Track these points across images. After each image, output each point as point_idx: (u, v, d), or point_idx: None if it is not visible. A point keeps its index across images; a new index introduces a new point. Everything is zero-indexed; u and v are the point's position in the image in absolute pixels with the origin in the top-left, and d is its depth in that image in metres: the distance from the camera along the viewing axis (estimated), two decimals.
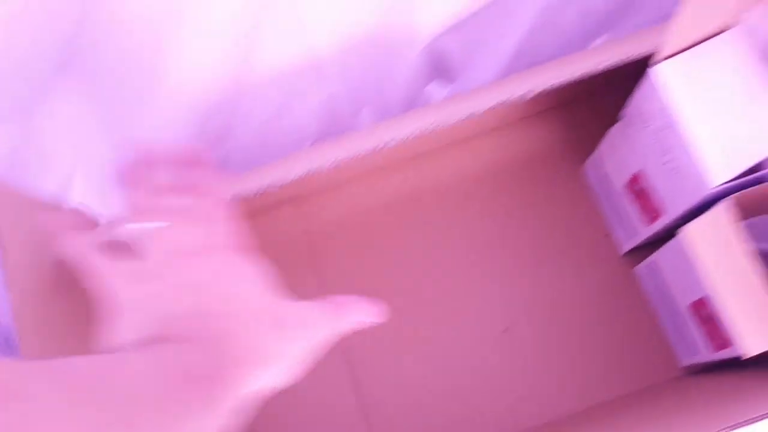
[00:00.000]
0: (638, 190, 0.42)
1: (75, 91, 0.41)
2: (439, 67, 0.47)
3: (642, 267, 0.47)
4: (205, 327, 0.28)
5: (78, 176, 0.46)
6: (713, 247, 0.32)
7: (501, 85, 0.41)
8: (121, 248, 0.30)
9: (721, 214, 0.32)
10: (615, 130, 0.43)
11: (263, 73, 0.43)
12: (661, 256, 0.43)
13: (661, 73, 0.35)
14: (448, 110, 0.40)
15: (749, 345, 0.30)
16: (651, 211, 0.42)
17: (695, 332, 0.41)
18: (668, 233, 0.41)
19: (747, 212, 0.36)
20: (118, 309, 0.29)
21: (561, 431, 0.43)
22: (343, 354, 0.49)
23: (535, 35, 0.48)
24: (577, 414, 0.46)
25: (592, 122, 0.49)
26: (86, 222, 0.34)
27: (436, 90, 0.50)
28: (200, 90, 0.42)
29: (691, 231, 0.32)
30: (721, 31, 0.34)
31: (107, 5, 0.40)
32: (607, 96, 0.45)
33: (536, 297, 0.49)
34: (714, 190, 0.34)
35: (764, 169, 0.34)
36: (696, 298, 0.39)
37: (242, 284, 0.30)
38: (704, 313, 0.39)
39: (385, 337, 0.49)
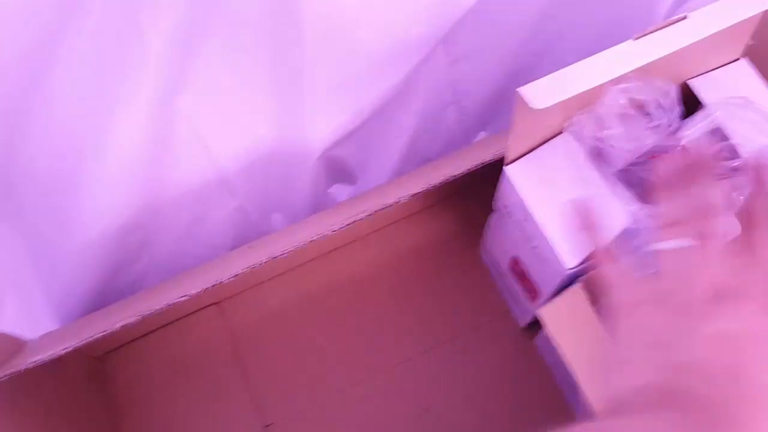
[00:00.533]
0: (518, 272, 0.47)
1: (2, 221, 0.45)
2: (338, 171, 0.52)
3: (538, 338, 0.51)
4: (731, 397, 0.23)
5: (8, 303, 0.49)
6: (566, 325, 0.36)
7: (396, 185, 0.45)
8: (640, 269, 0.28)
9: (574, 295, 0.37)
10: (492, 220, 0.48)
11: (174, 190, 0.47)
12: (541, 337, 0.47)
13: (512, 173, 0.40)
14: (349, 211, 0.44)
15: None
16: (531, 291, 0.46)
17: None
18: None
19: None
20: (627, 336, 0.26)
21: None
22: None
23: (420, 137, 0.54)
24: None
25: (479, 212, 0.55)
26: None
27: (340, 190, 0.54)
28: (116, 212, 0.46)
29: (545, 312, 0.36)
30: (553, 137, 0.39)
31: (30, 142, 0.43)
32: (489, 187, 0.50)
33: (449, 378, 0.52)
34: (571, 273, 0.39)
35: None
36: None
37: None
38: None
39: (308, 417, 0.51)
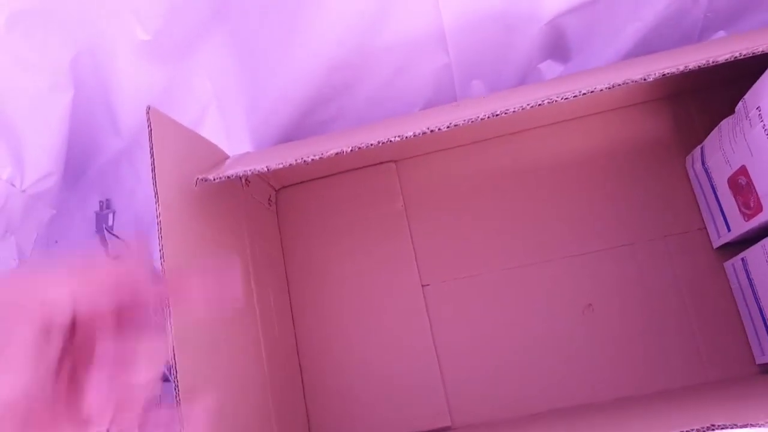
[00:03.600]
0: (740, 185, 0.43)
1: (223, 37, 0.46)
2: (556, 45, 0.49)
3: (731, 263, 0.47)
4: None
5: (211, 112, 0.51)
6: None
7: (616, 69, 0.42)
8: None
9: None
10: (725, 124, 0.43)
11: (391, 35, 0.46)
12: (751, 253, 0.44)
13: None
14: (558, 88, 0.42)
15: None
16: (750, 208, 0.42)
17: None
18: (764, 232, 0.42)
19: None
20: None
21: (634, 409, 0.45)
22: (428, 326, 0.52)
23: (655, 29, 0.49)
24: (651, 395, 0.47)
25: (700, 116, 0.50)
26: None
27: (551, 68, 0.51)
28: (332, 45, 0.46)
29: None
30: None
31: None
32: (717, 93, 0.45)
33: (623, 277, 0.50)
34: None
35: None
36: None
37: None
38: None
39: (466, 311, 0.51)
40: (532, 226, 0.52)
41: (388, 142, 0.37)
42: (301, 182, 0.56)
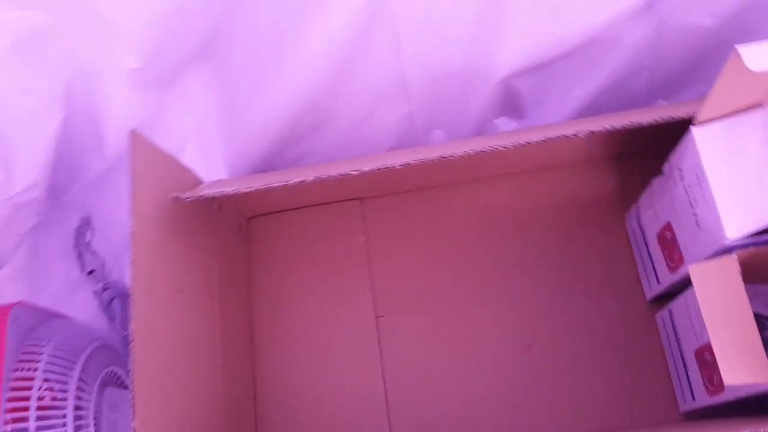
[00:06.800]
0: (666, 239, 0.47)
1: (207, 72, 0.50)
2: (510, 103, 0.54)
3: (660, 314, 0.51)
4: None
5: (191, 141, 0.55)
6: (714, 288, 0.36)
7: (555, 126, 0.46)
8: None
9: (728, 262, 0.37)
10: (655, 183, 0.48)
11: (358, 83, 0.51)
12: (676, 305, 0.47)
13: (699, 134, 0.40)
14: (509, 139, 0.46)
15: (729, 374, 0.35)
16: (674, 261, 0.46)
17: (695, 377, 0.46)
18: (687, 284, 0.46)
19: (757, 276, 0.40)
20: None
21: None
22: (378, 356, 0.55)
23: (602, 92, 0.54)
24: None
25: (639, 177, 0.55)
26: None
27: (505, 123, 0.56)
28: (305, 88, 0.50)
29: (695, 268, 0.37)
30: (755, 106, 0.39)
31: (238, 7, 0.48)
32: (654, 155, 0.50)
33: (560, 322, 0.54)
34: (728, 244, 0.39)
35: None
36: (700, 344, 0.44)
37: None
38: (705, 359, 0.43)
39: (416, 344, 0.55)
40: (484, 269, 0.56)
41: (348, 175, 0.41)
42: (270, 213, 0.60)
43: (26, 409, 0.42)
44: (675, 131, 0.43)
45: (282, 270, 0.58)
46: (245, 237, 0.60)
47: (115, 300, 0.59)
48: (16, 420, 0.42)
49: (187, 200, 0.44)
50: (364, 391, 0.54)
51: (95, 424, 0.46)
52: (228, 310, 0.52)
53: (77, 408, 0.44)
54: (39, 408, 0.42)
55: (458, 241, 0.57)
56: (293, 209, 0.60)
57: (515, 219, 0.57)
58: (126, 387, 0.52)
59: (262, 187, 0.43)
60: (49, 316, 0.50)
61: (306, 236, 0.59)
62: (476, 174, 0.57)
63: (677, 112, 0.41)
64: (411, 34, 0.48)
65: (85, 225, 0.61)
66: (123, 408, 0.50)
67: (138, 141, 0.42)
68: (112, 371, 0.50)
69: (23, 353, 0.44)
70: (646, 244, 0.51)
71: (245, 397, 0.54)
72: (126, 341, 0.57)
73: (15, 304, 0.45)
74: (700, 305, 0.36)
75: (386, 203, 0.59)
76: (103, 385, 0.48)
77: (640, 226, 0.52)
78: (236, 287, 0.56)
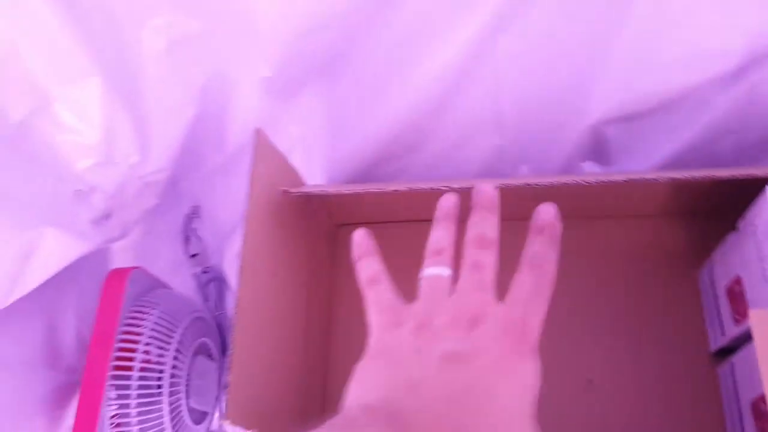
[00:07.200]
0: (734, 293, 0.49)
1: (321, 86, 0.56)
2: (598, 148, 0.57)
3: (723, 367, 0.53)
4: (445, 420, 0.24)
5: (297, 149, 0.61)
6: None
7: (645, 172, 0.49)
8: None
9: None
10: (729, 239, 0.50)
11: (456, 111, 0.55)
12: (738, 356, 0.49)
13: None
14: (593, 177, 0.49)
15: None
16: (740, 313, 0.48)
17: (750, 430, 0.47)
18: (751, 338, 0.47)
19: None
20: (374, 355, 0.29)
21: None
22: None
23: (692, 150, 0.57)
24: None
25: (715, 235, 0.56)
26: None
27: (590, 168, 0.59)
28: (409, 109, 0.55)
29: (756, 314, 0.39)
30: None
31: (363, 32, 0.54)
32: (730, 215, 0.52)
33: (623, 364, 0.56)
34: None
35: None
36: (756, 395, 0.45)
37: (496, 403, 0.25)
38: (760, 409, 0.45)
39: None
40: (553, 303, 0.59)
41: (438, 190, 0.46)
42: (359, 223, 0.65)
43: (131, 360, 0.48)
44: (754, 191, 0.45)
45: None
46: (333, 241, 0.65)
47: (211, 283, 0.66)
48: (120, 369, 0.48)
49: (295, 195, 0.49)
50: None
51: (186, 388, 0.51)
52: (312, 301, 0.57)
53: (174, 367, 0.50)
54: (143, 362, 0.48)
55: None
56: (381, 222, 0.65)
57: (590, 260, 0.60)
58: (213, 358, 0.57)
59: (359, 191, 0.48)
60: (159, 284, 0.56)
61: (390, 249, 0.63)
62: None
63: (756, 171, 0.44)
64: (511, 73, 0.52)
65: (194, 212, 0.68)
66: (209, 376, 0.56)
67: (261, 137, 0.48)
68: (204, 342, 0.55)
69: (134, 312, 0.50)
70: (715, 297, 0.53)
71: (318, 374, 0.58)
72: (216, 321, 0.63)
73: (135, 268, 0.52)
74: (756, 351, 0.38)
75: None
76: (195, 354, 0.54)
77: (711, 280, 0.54)
78: (320, 283, 0.61)
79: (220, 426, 0.59)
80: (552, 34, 0.49)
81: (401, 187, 0.47)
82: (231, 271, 0.68)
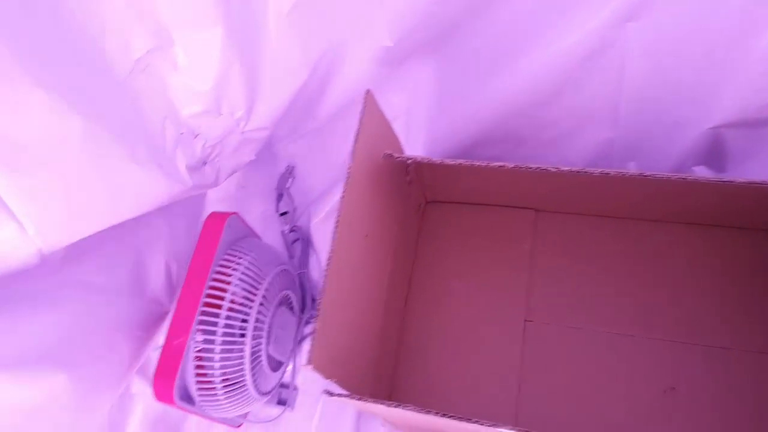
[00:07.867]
0: None
1: (434, 58, 0.56)
2: (714, 152, 0.54)
3: None
4: None
5: (400, 119, 0.61)
6: None
7: (756, 180, 0.46)
8: None
9: None
10: None
11: (575, 99, 0.53)
12: None
13: None
14: (696, 177, 0.46)
15: None
16: None
17: None
18: None
19: None
20: None
21: None
22: (519, 356, 0.58)
23: None
24: None
25: None
26: None
27: (702, 173, 0.56)
28: (519, 94, 0.54)
29: None
30: None
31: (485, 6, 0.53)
32: None
33: (709, 374, 0.53)
34: None
35: None
36: None
37: None
38: None
39: (559, 356, 0.57)
40: (642, 304, 0.57)
41: (546, 171, 0.45)
42: (449, 201, 0.65)
43: (220, 300, 0.49)
44: None
45: (446, 252, 0.63)
46: (422, 214, 0.65)
47: (297, 242, 0.67)
48: (209, 306, 0.49)
49: (395, 161, 0.49)
50: (498, 383, 0.56)
51: (267, 335, 0.52)
52: (397, 265, 0.57)
53: (259, 313, 0.51)
54: (230, 303, 0.49)
55: (620, 270, 0.58)
56: (470, 203, 0.64)
57: (686, 265, 0.57)
58: (293, 310, 0.58)
59: (464, 164, 0.47)
60: (252, 233, 0.58)
61: (476, 230, 0.63)
62: (655, 215, 0.58)
63: None
64: (636, 66, 0.50)
65: (288, 172, 0.70)
66: (289, 327, 0.57)
67: (370, 99, 0.48)
68: (287, 294, 0.56)
69: (228, 255, 0.52)
70: None
71: (393, 341, 0.59)
72: (299, 277, 0.64)
73: (233, 213, 0.53)
74: None
75: (559, 220, 0.62)
76: (279, 304, 0.55)
77: None
78: (406, 256, 0.61)
79: (293, 378, 0.60)
80: (686, 28, 0.47)
81: (508, 164, 0.46)
82: (316, 234, 0.69)
